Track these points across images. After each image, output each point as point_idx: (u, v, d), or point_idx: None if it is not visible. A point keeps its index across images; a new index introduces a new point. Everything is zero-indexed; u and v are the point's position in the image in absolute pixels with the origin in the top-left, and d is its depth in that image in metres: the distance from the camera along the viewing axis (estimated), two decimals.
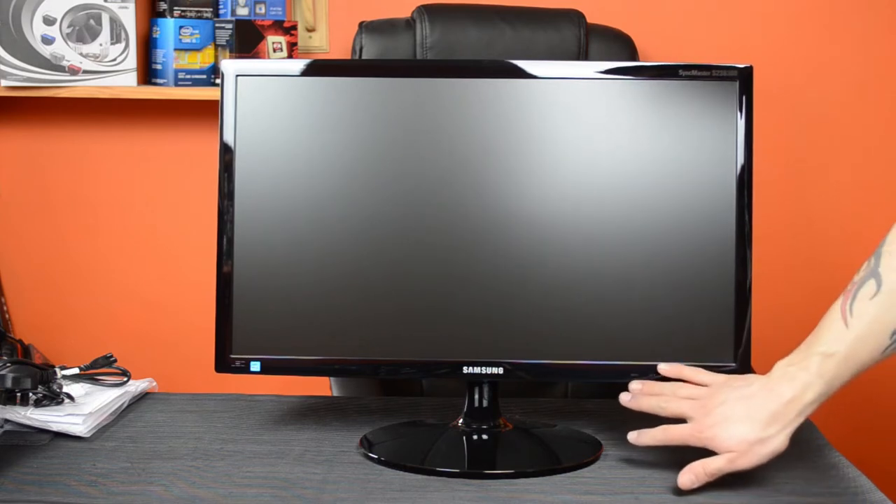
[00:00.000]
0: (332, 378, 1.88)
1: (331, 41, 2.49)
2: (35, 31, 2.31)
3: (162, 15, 2.41)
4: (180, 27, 2.37)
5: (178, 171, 2.54)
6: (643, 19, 2.42)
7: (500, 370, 1.35)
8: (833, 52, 2.46)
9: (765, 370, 1.32)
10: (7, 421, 1.40)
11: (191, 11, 2.39)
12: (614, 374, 1.35)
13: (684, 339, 1.34)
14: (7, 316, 2.56)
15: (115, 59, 2.36)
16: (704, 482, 1.23)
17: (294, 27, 2.40)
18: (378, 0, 2.36)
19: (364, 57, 2.09)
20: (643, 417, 1.50)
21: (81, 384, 1.52)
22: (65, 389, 1.46)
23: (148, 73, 2.45)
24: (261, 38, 2.37)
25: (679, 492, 1.24)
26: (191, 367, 2.54)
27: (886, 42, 2.45)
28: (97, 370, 1.56)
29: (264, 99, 1.36)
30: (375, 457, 1.33)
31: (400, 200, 1.35)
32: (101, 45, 2.34)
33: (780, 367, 1.25)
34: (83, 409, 1.43)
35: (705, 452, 1.24)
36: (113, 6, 2.34)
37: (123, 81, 2.37)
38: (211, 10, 2.40)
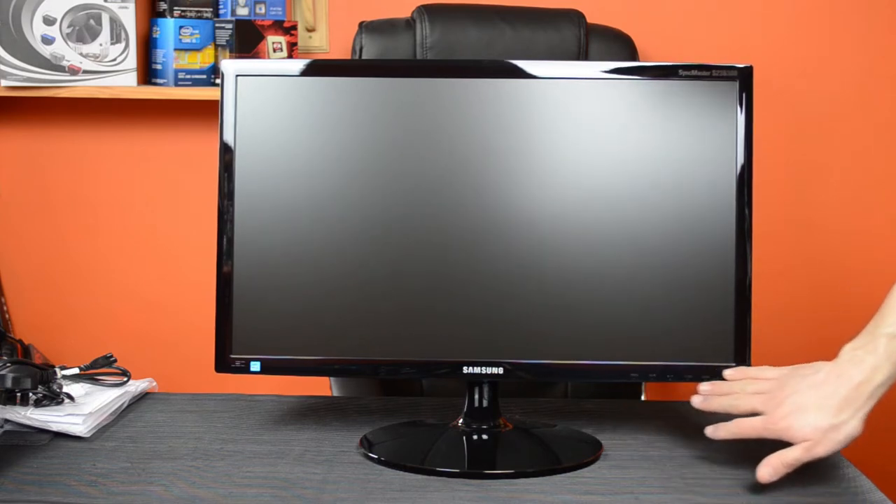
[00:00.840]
0: (332, 378, 1.88)
1: (331, 41, 2.49)
2: (35, 31, 2.31)
3: (162, 15, 2.41)
4: (180, 27, 2.37)
5: (178, 171, 2.54)
6: (643, 19, 2.42)
7: (500, 370, 1.35)
8: (833, 51, 2.46)
9: None
10: (7, 421, 1.40)
11: (191, 11, 2.39)
12: (614, 374, 1.35)
13: (684, 339, 1.34)
14: (7, 316, 2.56)
15: (115, 59, 2.36)
16: (783, 474, 1.23)
17: (294, 27, 2.40)
18: (378, 0, 2.35)
19: (364, 57, 2.09)
20: (643, 417, 1.50)
21: (81, 384, 1.52)
22: (65, 389, 1.46)
23: (148, 73, 2.45)
24: (261, 38, 2.37)
25: (679, 492, 1.24)
26: (191, 367, 2.54)
27: (886, 41, 2.45)
28: (97, 370, 1.56)
29: (264, 99, 1.36)
30: (375, 457, 1.33)
31: (400, 200, 1.35)
32: (101, 45, 2.34)
33: (847, 350, 1.26)
34: (83, 409, 1.43)
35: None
36: (113, 6, 2.34)
37: (123, 81, 2.36)
38: (211, 10, 2.40)
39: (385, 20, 2.18)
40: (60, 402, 1.44)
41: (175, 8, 2.38)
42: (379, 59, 2.06)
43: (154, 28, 2.41)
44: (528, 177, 1.34)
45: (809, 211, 2.49)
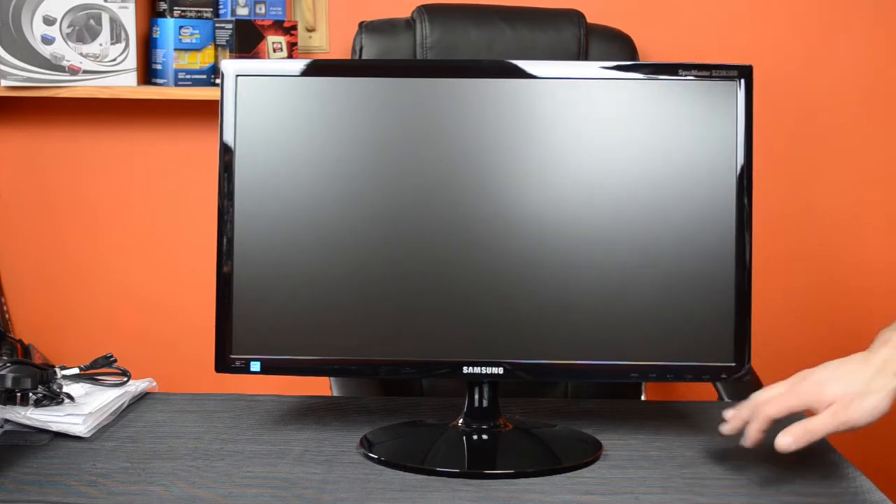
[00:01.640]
0: (332, 378, 1.88)
1: (331, 41, 2.49)
2: (35, 31, 2.31)
3: (162, 15, 2.41)
4: (180, 27, 2.37)
5: (178, 171, 2.54)
6: (643, 19, 2.42)
7: (500, 370, 1.35)
8: (833, 51, 2.46)
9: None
10: (7, 421, 1.40)
11: (191, 11, 2.39)
12: (614, 374, 1.35)
13: (684, 339, 1.34)
14: (7, 316, 2.56)
15: (115, 59, 2.36)
16: (805, 443, 1.20)
17: (294, 27, 2.40)
18: (378, 0, 2.36)
19: (364, 57, 2.09)
20: (643, 417, 1.50)
21: (81, 384, 1.52)
22: (65, 389, 1.46)
23: (148, 73, 2.45)
24: (261, 38, 2.37)
25: (679, 492, 1.24)
26: (191, 367, 2.54)
27: (886, 41, 2.45)
28: (97, 370, 1.56)
29: (264, 99, 1.36)
30: (375, 457, 1.33)
31: (400, 200, 1.35)
32: (101, 45, 2.34)
33: (879, 333, 1.25)
34: (83, 409, 1.43)
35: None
36: (113, 6, 2.34)
37: (123, 81, 2.37)
38: (211, 10, 2.40)
39: (385, 20, 2.18)
40: (60, 402, 1.44)
41: (175, 8, 2.38)
42: (379, 59, 2.06)
43: (154, 28, 2.41)
44: (528, 177, 1.34)
45: (809, 210, 2.49)
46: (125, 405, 1.51)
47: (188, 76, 2.38)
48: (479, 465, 1.32)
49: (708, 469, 1.32)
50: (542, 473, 1.29)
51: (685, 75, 1.34)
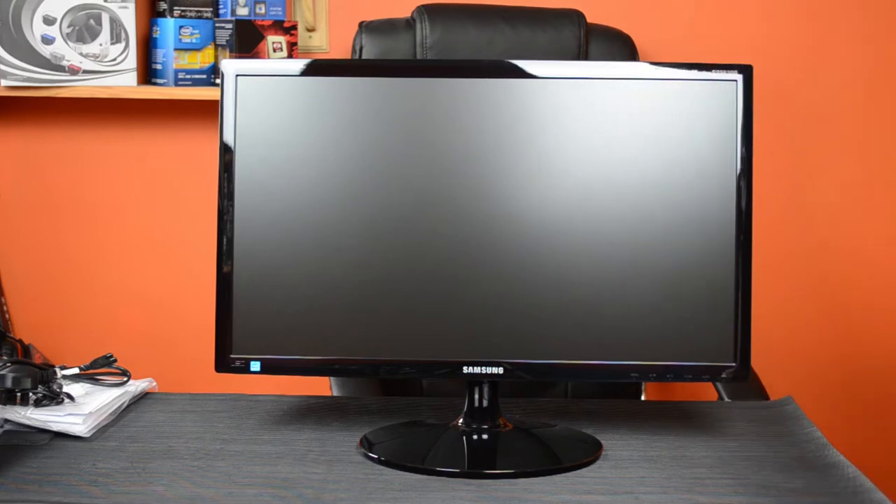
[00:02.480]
0: (332, 378, 1.88)
1: (331, 41, 2.49)
2: (35, 31, 2.31)
3: (162, 15, 2.41)
4: (180, 27, 2.37)
5: (178, 171, 2.54)
6: (643, 19, 2.42)
7: (500, 370, 1.35)
8: (833, 51, 2.46)
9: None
10: (7, 421, 1.40)
11: (191, 11, 2.39)
12: (614, 373, 1.35)
13: (684, 339, 1.34)
14: (7, 316, 2.56)
15: (115, 59, 2.36)
16: None
17: (294, 27, 2.40)
18: (378, 0, 2.36)
19: (364, 57, 2.09)
20: (643, 417, 1.50)
21: (81, 384, 1.52)
22: (65, 389, 1.46)
23: (148, 73, 2.45)
24: (261, 38, 2.37)
25: (679, 492, 1.24)
26: (191, 367, 2.54)
27: (886, 41, 2.45)
28: (97, 370, 1.56)
29: (264, 99, 1.36)
30: (375, 457, 1.33)
31: (399, 200, 1.35)
32: (101, 45, 2.34)
33: None
34: (83, 409, 1.43)
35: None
36: (113, 6, 2.34)
37: (123, 81, 2.37)
38: (211, 10, 2.40)
39: (385, 20, 2.18)
40: (60, 402, 1.44)
41: (175, 8, 2.38)
42: (379, 59, 2.06)
43: (154, 28, 2.41)
44: (528, 176, 1.34)
45: (809, 210, 2.49)
46: (125, 405, 1.51)
47: (188, 76, 2.38)
48: (479, 465, 1.32)
49: (708, 469, 1.32)
50: (542, 473, 1.29)
51: (685, 75, 1.34)
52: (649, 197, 1.34)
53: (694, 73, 1.34)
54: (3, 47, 2.31)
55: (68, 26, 2.33)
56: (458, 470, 1.29)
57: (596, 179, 1.34)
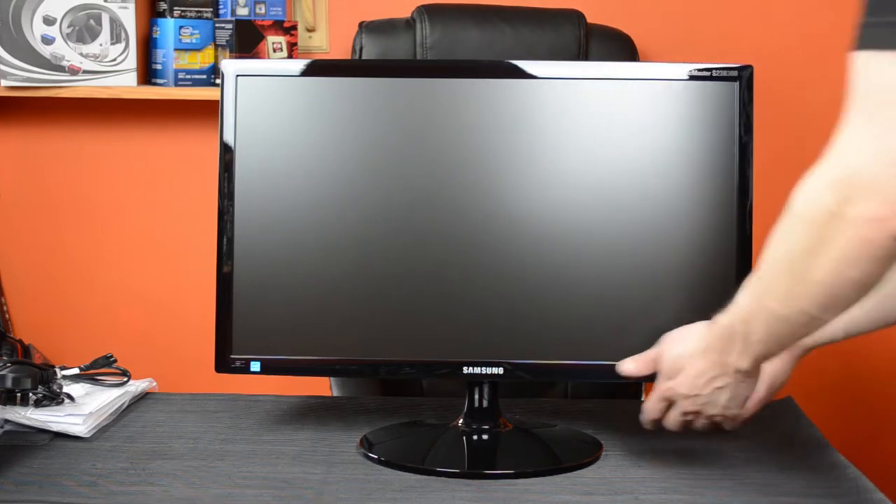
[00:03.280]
0: (332, 378, 1.88)
1: (331, 41, 2.49)
2: (35, 31, 2.31)
3: (162, 15, 2.41)
4: (180, 27, 2.37)
5: (178, 171, 2.54)
6: (643, 19, 2.42)
7: (500, 370, 1.35)
8: (833, 50, 2.46)
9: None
10: (7, 421, 1.40)
11: (191, 11, 2.39)
12: (614, 374, 1.35)
13: None
14: (7, 316, 2.56)
15: (115, 59, 2.36)
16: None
17: (294, 27, 2.40)
18: (378, 0, 2.35)
19: (364, 57, 2.09)
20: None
21: (81, 384, 1.52)
22: (65, 389, 1.46)
23: (148, 73, 2.45)
24: (261, 38, 2.37)
25: (679, 492, 1.24)
26: (191, 367, 2.54)
27: None
28: (97, 370, 1.56)
29: (264, 99, 1.36)
30: (375, 457, 1.33)
31: (399, 200, 1.35)
32: (101, 45, 2.34)
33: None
34: (83, 409, 1.43)
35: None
36: (113, 6, 2.34)
37: (123, 81, 2.36)
38: (211, 10, 2.40)
39: (385, 20, 2.18)
40: (60, 402, 1.44)
41: (175, 8, 2.38)
42: (379, 59, 2.06)
43: (154, 28, 2.41)
44: (527, 177, 1.34)
45: None
46: (125, 405, 1.51)
47: (188, 76, 2.38)
48: (478, 465, 1.32)
49: (708, 469, 1.32)
50: (543, 473, 1.29)
51: (685, 75, 1.34)
52: (648, 198, 1.34)
53: (694, 74, 1.34)
54: (3, 47, 2.31)
55: (68, 26, 2.33)
56: (457, 470, 1.29)
57: (596, 179, 1.34)
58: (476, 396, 1.39)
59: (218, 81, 2.37)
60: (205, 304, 2.65)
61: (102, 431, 1.43)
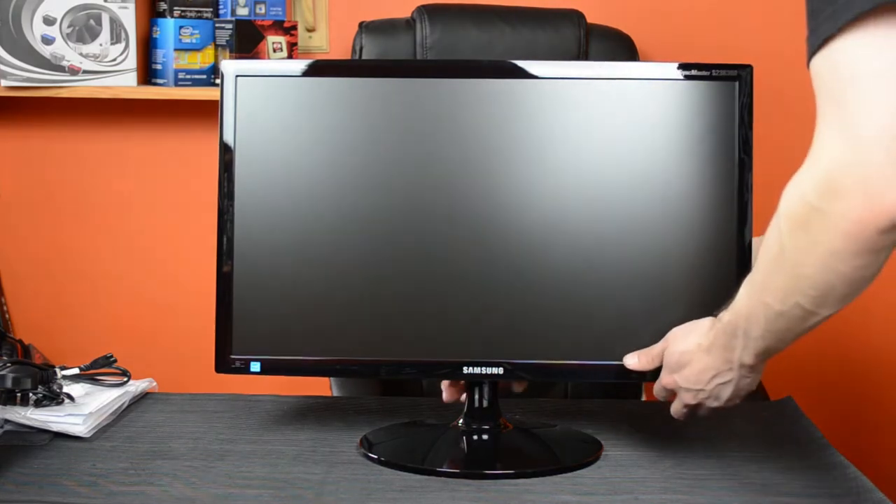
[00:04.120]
0: (332, 378, 1.88)
1: (331, 41, 2.49)
2: (35, 31, 2.31)
3: (162, 15, 2.41)
4: (180, 27, 2.37)
5: (178, 172, 2.54)
6: (643, 19, 2.42)
7: (501, 370, 1.35)
8: None
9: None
10: (7, 421, 1.40)
11: (191, 11, 2.39)
12: (614, 374, 1.35)
13: None
14: (7, 316, 2.56)
15: (115, 59, 2.36)
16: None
17: (294, 27, 2.40)
18: (378, 0, 2.36)
19: (364, 57, 2.09)
20: (643, 417, 1.50)
21: (81, 384, 1.52)
22: (65, 389, 1.46)
23: (148, 73, 2.45)
24: (261, 38, 2.37)
25: (679, 492, 1.24)
26: (191, 367, 2.54)
27: None
28: (97, 370, 1.55)
29: (264, 99, 1.36)
30: (375, 457, 1.33)
31: (399, 201, 1.35)
32: (101, 45, 2.34)
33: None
34: (83, 409, 1.43)
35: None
36: (113, 6, 2.34)
37: (123, 81, 2.37)
38: (211, 10, 2.40)
39: (385, 20, 2.18)
40: (60, 402, 1.44)
41: (175, 8, 2.38)
42: (379, 59, 2.06)
43: (154, 28, 2.41)
44: (527, 177, 1.34)
45: None
46: (125, 405, 1.51)
47: (188, 76, 2.38)
48: (479, 465, 1.32)
49: (708, 469, 1.32)
50: (543, 474, 1.29)
51: (685, 76, 1.34)
52: (648, 198, 1.34)
53: (693, 73, 1.34)
54: (3, 47, 2.31)
55: (68, 26, 2.33)
56: (458, 470, 1.29)
57: (596, 180, 1.34)
58: (476, 396, 1.39)
59: (218, 81, 2.37)
60: (204, 304, 2.65)
61: (102, 431, 1.43)
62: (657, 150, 1.34)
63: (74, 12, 2.33)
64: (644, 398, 2.07)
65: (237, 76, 1.36)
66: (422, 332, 1.35)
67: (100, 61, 2.35)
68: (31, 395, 1.42)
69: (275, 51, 2.38)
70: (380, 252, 1.35)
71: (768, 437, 1.43)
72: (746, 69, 1.34)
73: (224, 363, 1.36)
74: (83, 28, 2.33)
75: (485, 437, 1.38)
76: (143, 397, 1.56)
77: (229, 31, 2.36)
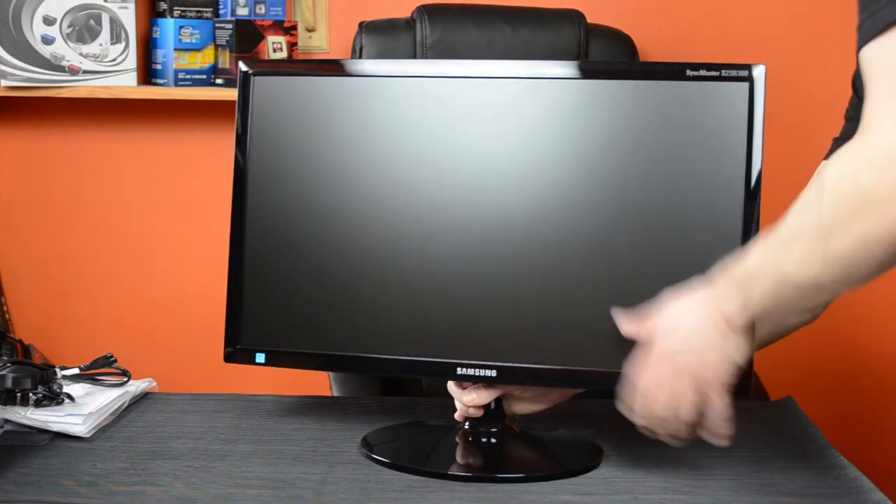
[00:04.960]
0: (331, 378, 1.88)
1: (331, 41, 2.49)
2: (35, 31, 2.31)
3: (162, 15, 2.41)
4: (180, 27, 2.37)
5: (178, 171, 2.54)
6: (643, 19, 2.42)
7: (494, 373, 1.33)
8: (834, 50, 2.46)
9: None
10: (7, 421, 1.40)
11: (191, 11, 2.39)
12: (605, 382, 1.31)
13: None
14: (7, 316, 2.56)
15: (115, 59, 2.36)
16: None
17: (294, 27, 2.40)
18: (378, 0, 2.36)
19: (364, 57, 2.09)
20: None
21: (81, 384, 1.52)
22: (65, 389, 1.46)
23: (148, 73, 2.45)
24: (261, 38, 2.37)
25: (679, 492, 1.24)
26: (191, 367, 2.54)
27: None
28: (97, 370, 1.56)
29: (278, 97, 1.36)
30: (375, 457, 1.33)
31: (399, 200, 1.35)
32: (101, 45, 2.34)
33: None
34: (83, 409, 1.43)
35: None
36: (113, 6, 2.34)
37: (123, 81, 2.37)
38: (211, 10, 2.40)
39: (385, 20, 2.18)
40: (60, 403, 1.44)
41: (175, 8, 2.38)
42: (379, 58, 2.06)
43: (154, 28, 2.41)
44: (527, 178, 1.34)
45: None
46: (125, 405, 1.51)
47: (188, 76, 2.38)
48: (479, 466, 1.32)
49: (708, 469, 1.32)
50: (544, 478, 1.28)
51: (693, 76, 1.31)
52: (653, 201, 1.31)
53: (702, 74, 1.30)
54: (3, 47, 2.31)
55: (68, 26, 2.33)
56: (458, 471, 1.29)
57: (598, 182, 1.33)
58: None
59: (218, 81, 2.37)
60: (205, 304, 2.66)
61: (102, 431, 1.43)
62: (662, 153, 1.31)
63: (74, 12, 2.33)
64: None
65: (252, 75, 1.37)
66: (420, 331, 1.35)
67: (100, 61, 2.35)
68: (31, 395, 1.42)
69: (275, 51, 2.38)
70: (380, 250, 1.35)
71: (768, 437, 1.43)
72: (757, 69, 1.28)
73: (232, 355, 1.38)
74: (83, 28, 2.33)
75: (484, 438, 1.38)
76: (143, 397, 1.56)
77: (229, 31, 2.36)
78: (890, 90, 0.98)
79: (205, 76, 2.39)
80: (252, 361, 1.38)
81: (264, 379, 2.55)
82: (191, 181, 2.53)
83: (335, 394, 1.87)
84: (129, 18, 2.35)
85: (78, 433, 1.39)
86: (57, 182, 2.54)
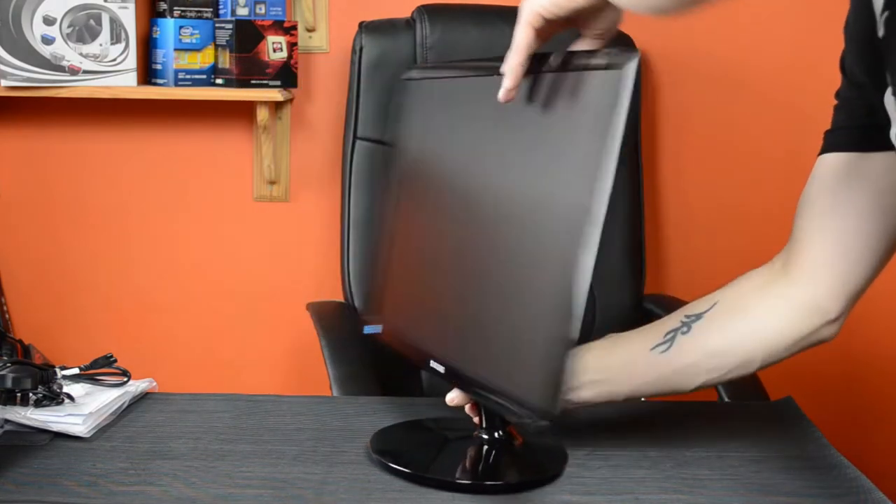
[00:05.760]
0: (332, 378, 1.88)
1: (331, 41, 2.49)
2: (35, 31, 2.31)
3: (162, 15, 2.41)
4: (180, 27, 2.37)
5: (178, 171, 2.54)
6: (643, 19, 2.42)
7: (442, 369, 1.30)
8: (833, 50, 2.46)
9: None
10: (7, 421, 1.40)
11: (191, 11, 2.39)
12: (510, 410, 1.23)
13: None
14: (7, 316, 2.56)
15: (115, 59, 2.36)
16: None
17: (294, 27, 2.40)
18: (378, 0, 2.36)
19: (364, 57, 2.09)
20: (644, 417, 1.50)
21: (81, 384, 1.52)
22: (65, 389, 1.46)
23: (148, 73, 2.45)
24: (261, 38, 2.37)
25: (679, 492, 1.24)
26: (191, 367, 2.54)
27: None
28: (97, 370, 1.56)
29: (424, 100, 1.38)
30: (376, 457, 1.33)
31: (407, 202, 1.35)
32: (101, 45, 2.34)
33: None
34: (83, 409, 1.43)
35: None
36: (113, 6, 2.34)
37: (123, 81, 2.37)
38: (211, 10, 2.40)
39: (385, 20, 2.18)
40: (60, 403, 1.44)
41: (175, 8, 2.38)
42: (379, 58, 2.06)
43: (154, 28, 2.41)
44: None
45: None
46: (125, 405, 1.51)
47: (188, 76, 2.38)
48: (479, 467, 1.32)
49: (708, 469, 1.32)
50: (543, 482, 1.28)
51: (563, 66, 1.17)
52: (517, 193, 1.21)
53: (580, 64, 1.15)
54: (3, 47, 2.31)
55: (68, 26, 2.33)
56: (458, 471, 1.29)
57: (481, 172, 1.27)
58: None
59: (218, 81, 2.37)
60: (205, 305, 2.66)
61: (102, 431, 1.43)
62: (538, 144, 1.19)
63: (74, 12, 2.33)
64: (644, 398, 2.07)
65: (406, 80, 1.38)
66: (416, 330, 1.35)
67: (100, 61, 2.35)
68: (31, 395, 1.42)
69: (275, 51, 2.38)
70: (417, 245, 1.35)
71: (768, 437, 1.43)
72: (630, 53, 1.09)
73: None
74: (83, 28, 2.33)
75: (484, 439, 1.37)
76: (143, 397, 1.56)
77: (229, 31, 2.36)
78: None
79: (205, 76, 2.39)
80: None
81: (264, 379, 2.55)
82: (191, 181, 2.53)
83: (335, 394, 1.87)
84: (129, 18, 2.35)
85: (78, 433, 1.39)
86: (57, 182, 2.54)
